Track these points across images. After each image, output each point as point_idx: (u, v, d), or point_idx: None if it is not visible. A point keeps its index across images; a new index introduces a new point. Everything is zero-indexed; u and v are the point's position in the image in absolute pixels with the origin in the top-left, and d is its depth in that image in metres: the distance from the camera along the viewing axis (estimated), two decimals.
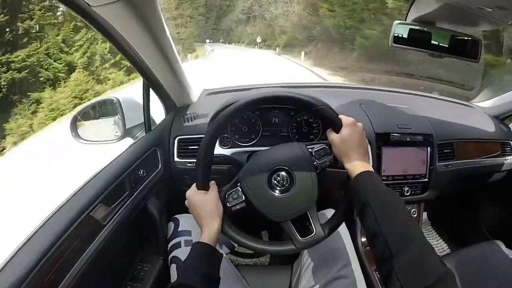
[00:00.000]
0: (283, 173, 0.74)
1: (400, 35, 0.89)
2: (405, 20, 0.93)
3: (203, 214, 0.71)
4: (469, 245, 1.18)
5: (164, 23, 0.77)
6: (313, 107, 0.73)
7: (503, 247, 1.16)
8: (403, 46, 0.90)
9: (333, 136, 0.74)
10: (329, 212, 0.97)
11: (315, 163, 0.74)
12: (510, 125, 1.51)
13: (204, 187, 0.73)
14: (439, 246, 1.62)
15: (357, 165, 0.70)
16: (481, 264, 1.11)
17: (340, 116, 0.75)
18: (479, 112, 1.47)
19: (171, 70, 0.92)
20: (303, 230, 0.74)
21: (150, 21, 0.70)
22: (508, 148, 1.38)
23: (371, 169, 0.70)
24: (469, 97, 1.63)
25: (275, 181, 0.73)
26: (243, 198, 0.73)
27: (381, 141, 1.06)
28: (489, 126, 1.38)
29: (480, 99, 1.54)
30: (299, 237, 0.73)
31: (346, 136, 0.72)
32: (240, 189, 0.74)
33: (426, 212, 1.75)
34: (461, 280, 1.06)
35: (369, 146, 1.05)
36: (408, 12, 0.92)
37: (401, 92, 1.37)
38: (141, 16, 0.66)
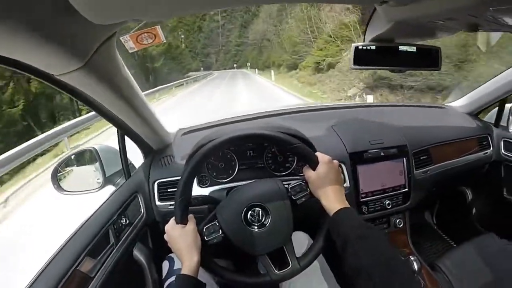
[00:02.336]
0: (258, 209, 0.76)
1: (360, 57, 0.91)
2: (364, 41, 0.95)
3: (182, 248, 0.73)
4: (463, 242, 1.19)
5: (130, 77, 0.79)
6: (289, 145, 0.76)
7: (496, 238, 1.18)
8: (364, 67, 0.92)
9: (309, 173, 0.76)
10: (302, 235, 0.99)
11: (292, 198, 0.77)
12: (484, 118, 1.55)
13: (182, 221, 0.75)
14: (434, 247, 1.63)
15: (334, 203, 0.72)
16: (477, 259, 1.12)
17: (317, 154, 0.77)
18: (452, 112, 1.50)
19: (142, 118, 0.92)
20: (280, 263, 0.76)
21: (115, 80, 0.72)
22: (485, 142, 1.41)
23: (347, 205, 0.72)
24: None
25: (251, 217, 0.76)
26: (220, 232, 0.75)
27: (355, 160, 1.07)
28: (464, 124, 1.41)
29: (452, 99, 1.58)
30: (275, 270, 0.74)
31: (323, 173, 0.74)
32: (217, 224, 0.76)
33: (416, 217, 1.76)
34: (459, 280, 1.07)
35: (344, 168, 1.06)
36: (365, 33, 0.95)
37: (373, 105, 1.40)
38: (105, 77, 0.68)
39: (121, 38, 0.75)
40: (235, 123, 1.28)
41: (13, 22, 0.39)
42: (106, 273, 0.82)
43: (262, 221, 0.76)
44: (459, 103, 1.53)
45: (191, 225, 0.76)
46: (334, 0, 0.66)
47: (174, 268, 0.97)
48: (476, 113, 1.50)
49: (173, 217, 0.77)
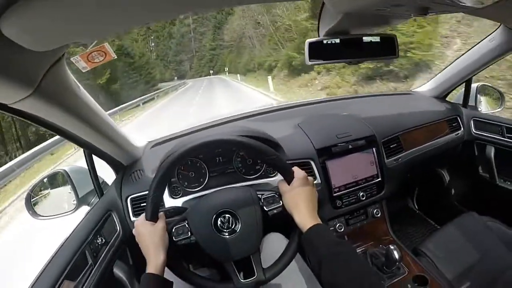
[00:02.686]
0: (229, 215, 0.76)
1: (314, 52, 0.93)
2: (318, 36, 0.97)
3: (149, 245, 0.73)
4: (445, 223, 1.21)
5: (88, 96, 0.79)
6: (267, 157, 0.76)
7: (476, 216, 1.20)
8: (321, 61, 0.93)
9: (284, 187, 0.77)
10: (276, 237, 0.98)
11: (263, 208, 0.77)
12: (453, 100, 1.58)
13: (152, 218, 0.75)
14: (419, 232, 1.65)
15: (307, 219, 0.72)
16: (459, 239, 1.14)
17: (293, 168, 0.78)
18: (420, 97, 1.53)
19: (106, 136, 0.92)
20: (246, 271, 0.76)
21: (71, 101, 0.72)
22: (455, 123, 1.44)
23: (319, 221, 0.72)
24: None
25: (220, 223, 0.76)
26: (189, 234, 0.76)
27: (323, 155, 1.08)
28: (432, 108, 1.44)
29: (419, 84, 1.61)
30: (240, 278, 0.74)
31: (297, 189, 0.75)
32: (186, 225, 0.77)
33: (397, 204, 1.77)
34: (444, 261, 1.08)
35: (313, 165, 1.07)
36: (318, 28, 0.97)
37: (339, 99, 1.41)
38: (59, 100, 0.67)
39: (72, 58, 0.76)
40: (204, 130, 1.28)
41: None
42: None
43: (232, 227, 0.76)
44: (426, 87, 1.56)
45: (160, 223, 0.76)
46: None
47: None
48: (443, 96, 1.53)
49: (144, 214, 0.76)
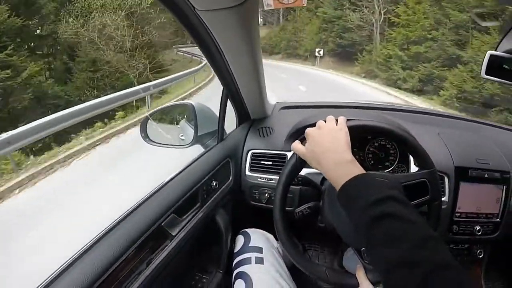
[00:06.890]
0: None
1: (493, 66, 0.86)
2: (496, 50, 0.89)
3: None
4: None
5: (259, 32, 0.74)
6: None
7: None
8: (496, 78, 0.86)
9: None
10: None
11: None
12: None
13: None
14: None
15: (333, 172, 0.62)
16: None
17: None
18: None
19: (255, 82, 0.91)
20: None
21: (249, 30, 0.66)
22: None
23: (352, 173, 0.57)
24: None
25: None
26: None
27: (459, 175, 1.01)
28: None
29: None
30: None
31: (309, 144, 0.66)
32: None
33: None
34: None
35: (446, 180, 1.01)
36: (500, 42, 0.89)
37: (480, 122, 1.29)
38: (241, 25, 0.62)
39: None
40: (338, 108, 1.25)
41: None
42: (186, 234, 0.80)
43: None
44: None
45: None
46: None
47: (249, 245, 0.94)
48: None
49: None
